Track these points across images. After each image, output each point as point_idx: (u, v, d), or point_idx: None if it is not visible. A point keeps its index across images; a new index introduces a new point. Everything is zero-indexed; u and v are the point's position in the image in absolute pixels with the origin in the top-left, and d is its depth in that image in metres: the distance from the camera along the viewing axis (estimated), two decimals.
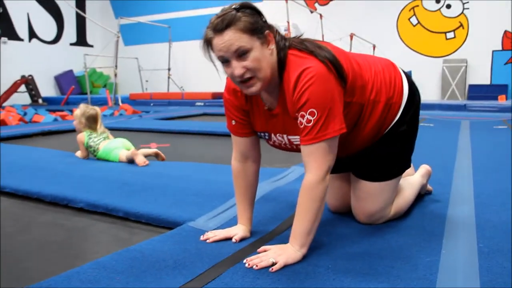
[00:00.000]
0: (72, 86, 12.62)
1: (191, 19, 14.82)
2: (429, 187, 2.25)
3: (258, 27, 1.41)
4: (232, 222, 1.84)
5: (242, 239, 1.63)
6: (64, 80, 14.46)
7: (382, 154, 1.74)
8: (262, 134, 1.68)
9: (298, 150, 1.60)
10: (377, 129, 1.70)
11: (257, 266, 1.38)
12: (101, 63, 14.08)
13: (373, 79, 1.66)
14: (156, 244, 1.62)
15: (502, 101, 9.79)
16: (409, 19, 11.98)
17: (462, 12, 11.40)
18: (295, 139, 1.59)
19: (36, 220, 2.15)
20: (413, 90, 1.78)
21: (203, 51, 1.47)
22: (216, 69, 1.54)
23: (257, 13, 1.44)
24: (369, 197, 1.77)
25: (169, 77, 13.71)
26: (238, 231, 1.66)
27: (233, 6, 1.41)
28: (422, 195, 2.19)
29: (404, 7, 11.98)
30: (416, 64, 11.45)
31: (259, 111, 1.62)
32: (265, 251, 1.48)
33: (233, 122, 1.67)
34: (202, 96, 11.56)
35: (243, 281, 1.31)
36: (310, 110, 1.42)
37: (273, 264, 1.39)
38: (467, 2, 11.29)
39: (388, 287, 1.26)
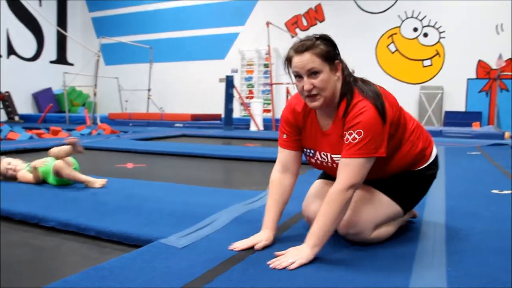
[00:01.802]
0: (50, 104, 12.51)
1: (172, 41, 14.90)
2: (414, 211, 2.25)
3: (330, 55, 1.70)
4: (204, 241, 1.84)
5: (264, 247, 1.75)
6: (42, 97, 14.33)
7: (404, 181, 1.92)
8: (309, 150, 1.91)
9: (334, 170, 1.80)
10: (405, 168, 1.92)
11: (280, 266, 1.56)
12: (81, 81, 14.01)
13: (415, 127, 1.93)
14: (125, 261, 1.60)
15: (476, 128, 9.99)
16: (387, 46, 12.23)
17: (439, 41, 11.69)
18: (338, 158, 1.78)
19: (3, 239, 2.10)
20: (437, 158, 2.02)
21: (284, 66, 1.79)
22: (291, 81, 1.79)
23: (332, 45, 1.72)
24: (370, 203, 1.82)
25: (149, 98, 13.69)
26: (262, 238, 1.78)
27: (314, 36, 1.72)
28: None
29: (383, 34, 12.23)
30: (394, 90, 11.45)
31: (311, 130, 1.86)
32: (282, 254, 1.64)
33: (284, 136, 1.91)
34: (181, 117, 11.56)
35: None
36: (358, 130, 1.67)
37: (291, 263, 1.57)
38: (444, 32, 11.59)
39: None
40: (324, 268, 1.58)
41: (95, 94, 11.27)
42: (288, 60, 1.76)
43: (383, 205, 1.85)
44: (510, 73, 10.81)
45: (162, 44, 14.85)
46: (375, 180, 1.89)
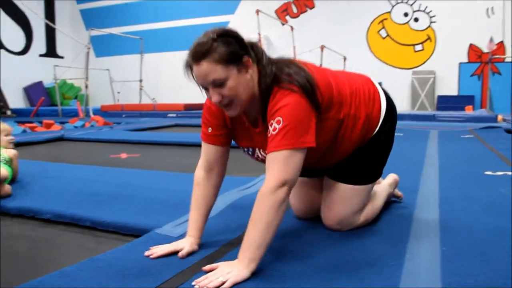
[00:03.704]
0: (42, 98, 12.42)
1: (163, 31, 14.80)
2: (399, 192, 2.28)
3: (234, 56, 1.44)
4: None
5: (188, 254, 1.55)
6: (34, 91, 14.23)
7: (361, 159, 1.78)
8: (246, 149, 1.72)
9: None
10: (358, 143, 1.75)
11: (207, 287, 1.30)
12: (71, 74, 13.89)
13: (352, 96, 1.69)
14: (121, 253, 1.60)
15: (469, 111, 10.03)
16: (378, 32, 12.21)
17: (430, 26, 11.68)
18: None
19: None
20: (391, 107, 1.83)
21: (186, 73, 1.51)
22: (200, 89, 1.56)
23: (236, 40, 1.47)
24: (342, 200, 1.78)
25: (141, 89, 13.62)
26: (185, 245, 1.58)
27: (211, 36, 1.44)
28: (391, 202, 2.22)
29: (374, 19, 12.21)
30: (386, 75, 11.65)
31: (243, 127, 1.64)
32: (212, 269, 1.40)
33: (210, 130, 1.67)
34: (174, 107, 11.51)
35: None
36: (277, 118, 1.44)
37: (223, 283, 1.31)
38: (434, 16, 11.58)
39: None
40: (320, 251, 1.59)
41: (86, 87, 11.18)
42: (189, 67, 1.50)
43: (357, 194, 1.79)
44: (501, 56, 10.84)
45: (152, 34, 14.75)
46: (331, 167, 1.81)
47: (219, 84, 1.43)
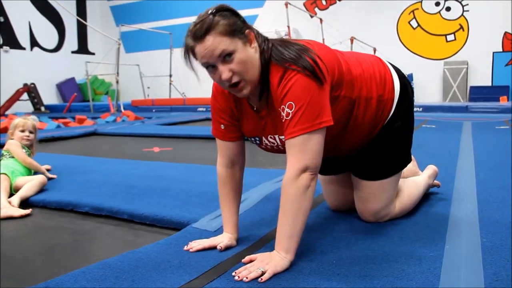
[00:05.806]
0: (74, 94, 12.67)
1: None
2: (436, 181, 2.26)
3: (237, 28, 1.40)
4: None
5: (227, 248, 1.57)
6: (66, 87, 14.51)
7: (380, 151, 1.75)
8: (253, 139, 1.66)
9: None
10: (372, 127, 1.70)
11: (247, 278, 1.31)
12: (102, 70, 14.13)
13: (363, 76, 1.64)
14: (161, 247, 1.62)
15: (503, 102, 9.79)
16: (409, 22, 12.00)
17: (462, 15, 11.42)
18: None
19: (41, 224, 2.16)
20: (405, 85, 1.76)
21: (185, 61, 1.46)
22: (197, 77, 1.54)
23: (234, 14, 1.42)
24: (372, 196, 1.77)
25: (170, 84, 13.74)
26: (224, 239, 1.59)
27: (209, 11, 1.40)
28: (428, 193, 2.19)
29: (404, 10, 12.01)
30: (417, 66, 11.47)
31: (247, 114, 1.60)
32: (251, 260, 1.42)
33: (222, 127, 1.63)
34: (204, 101, 11.56)
35: None
36: (288, 102, 1.39)
37: (263, 273, 1.33)
38: (467, 5, 11.32)
39: (392, 280, 1.27)
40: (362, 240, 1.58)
41: (117, 82, 11.36)
42: (190, 51, 1.43)
43: (385, 188, 1.77)
44: None
45: (181, 29, 14.75)
46: (348, 156, 1.80)
47: (227, 56, 1.38)
